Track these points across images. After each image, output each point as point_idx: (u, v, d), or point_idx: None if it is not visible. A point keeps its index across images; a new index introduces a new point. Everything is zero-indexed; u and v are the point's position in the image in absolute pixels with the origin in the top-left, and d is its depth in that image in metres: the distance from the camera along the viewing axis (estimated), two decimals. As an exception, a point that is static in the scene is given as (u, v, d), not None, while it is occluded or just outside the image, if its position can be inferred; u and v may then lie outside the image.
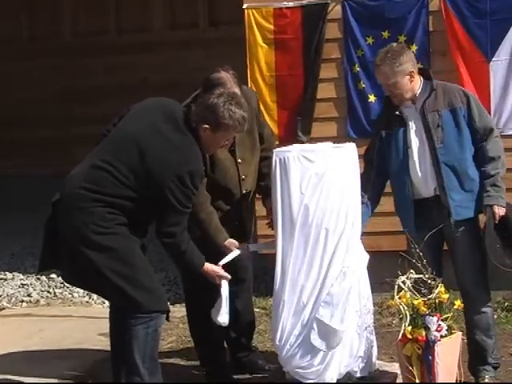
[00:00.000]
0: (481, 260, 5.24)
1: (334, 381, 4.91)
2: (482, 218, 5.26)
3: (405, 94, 5.21)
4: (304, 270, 4.92)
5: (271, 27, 6.83)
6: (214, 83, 5.16)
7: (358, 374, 5.04)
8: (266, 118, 6.64)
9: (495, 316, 6.27)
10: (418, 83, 5.24)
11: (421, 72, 5.32)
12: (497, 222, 5.17)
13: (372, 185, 5.39)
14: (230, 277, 5.13)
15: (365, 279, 5.15)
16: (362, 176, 5.32)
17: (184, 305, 6.65)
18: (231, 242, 5.29)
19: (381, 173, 5.42)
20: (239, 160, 5.36)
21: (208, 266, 5.04)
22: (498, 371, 5.39)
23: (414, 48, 6.64)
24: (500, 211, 5.14)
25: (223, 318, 5.06)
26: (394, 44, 5.45)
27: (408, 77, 5.17)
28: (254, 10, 6.89)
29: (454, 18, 6.62)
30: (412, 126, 5.27)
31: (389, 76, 5.14)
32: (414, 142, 5.26)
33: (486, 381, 5.26)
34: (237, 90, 5.19)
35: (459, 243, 5.24)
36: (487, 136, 5.21)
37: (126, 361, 4.88)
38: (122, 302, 4.86)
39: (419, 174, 5.24)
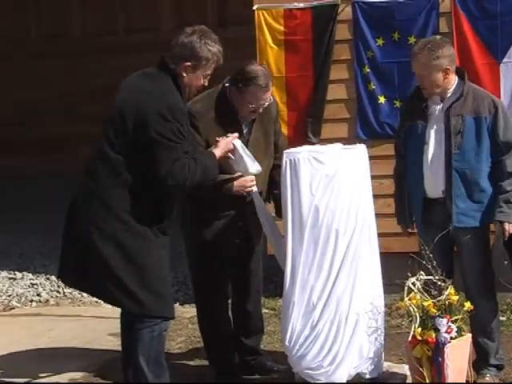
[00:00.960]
0: (485, 267, 5.24)
1: (344, 381, 4.98)
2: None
3: (436, 88, 5.15)
4: (314, 270, 4.95)
5: (281, 28, 6.87)
6: (251, 75, 5.18)
7: (368, 376, 5.04)
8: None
9: (504, 318, 6.32)
10: (451, 82, 5.17)
11: (457, 73, 5.25)
12: (506, 239, 5.19)
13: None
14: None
15: (377, 280, 5.13)
16: (395, 170, 5.35)
17: (193, 305, 6.68)
18: (219, 140, 5.12)
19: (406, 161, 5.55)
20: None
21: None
22: (502, 371, 5.37)
23: None
24: (511, 229, 5.16)
25: (254, 166, 5.00)
26: (438, 36, 5.40)
27: (442, 73, 5.11)
28: (264, 11, 6.92)
29: (464, 20, 6.62)
30: (433, 124, 5.22)
31: (424, 67, 5.09)
32: (432, 140, 5.21)
33: (487, 379, 5.23)
34: (271, 85, 5.31)
35: (464, 249, 5.25)
36: (508, 150, 5.17)
37: (132, 363, 4.90)
38: (127, 303, 4.81)
39: (430, 172, 5.22)
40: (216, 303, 5.58)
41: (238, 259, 5.61)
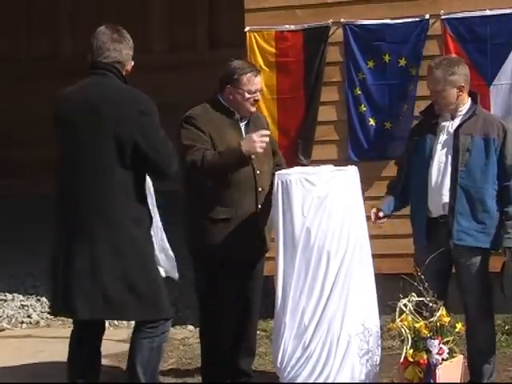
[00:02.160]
0: (485, 288, 5.27)
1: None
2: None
3: (448, 105, 5.23)
4: (305, 292, 4.96)
5: (273, 50, 6.91)
6: (237, 68, 5.29)
7: None
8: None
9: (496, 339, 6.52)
10: (464, 101, 5.25)
11: (470, 95, 5.35)
12: None
13: (402, 185, 5.44)
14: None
15: (371, 301, 5.13)
16: (394, 178, 5.46)
17: (184, 327, 6.86)
18: (246, 138, 5.26)
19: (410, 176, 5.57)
20: (253, 156, 5.47)
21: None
22: None
23: (414, 72, 6.72)
24: None
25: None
26: (454, 55, 5.61)
27: (457, 90, 5.19)
28: (255, 33, 6.97)
29: (454, 42, 6.71)
30: (442, 140, 5.27)
31: (439, 81, 5.18)
32: (438, 155, 5.27)
33: None
34: (258, 68, 5.52)
35: (464, 269, 5.27)
36: None
37: (130, 372, 4.94)
38: (133, 311, 4.82)
39: (434, 187, 5.25)
40: (219, 319, 5.51)
41: (243, 271, 5.53)
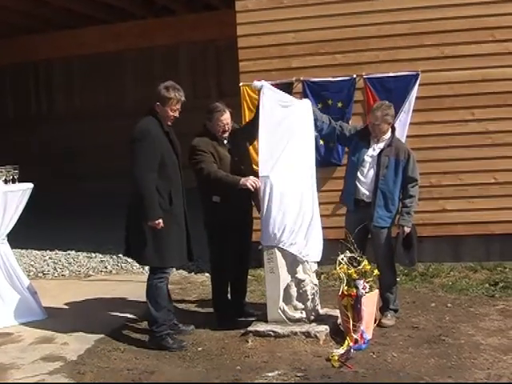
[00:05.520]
0: (389, 249, 5.86)
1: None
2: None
3: (382, 134, 5.77)
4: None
5: (257, 97, 7.30)
6: (213, 107, 6.00)
7: (312, 317, 5.60)
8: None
9: (398, 279, 6.96)
10: (388, 131, 5.80)
11: (391, 128, 5.85)
12: (404, 236, 5.86)
13: (329, 120, 6.06)
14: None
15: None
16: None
17: (203, 274, 7.76)
18: (246, 179, 5.59)
19: (337, 129, 6.08)
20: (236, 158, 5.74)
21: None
22: (398, 313, 6.10)
23: (347, 110, 7.80)
24: (407, 230, 5.82)
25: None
26: (387, 102, 6.05)
27: (387, 125, 5.78)
28: (246, 87, 7.87)
29: (371, 92, 7.76)
30: (370, 153, 5.87)
31: (378, 119, 5.77)
32: (368, 162, 5.87)
33: (388, 317, 5.92)
34: (227, 109, 5.90)
35: (377, 238, 5.88)
36: (412, 182, 5.83)
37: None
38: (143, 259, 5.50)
39: (364, 185, 5.99)
40: (227, 255, 6.04)
41: (242, 229, 5.94)
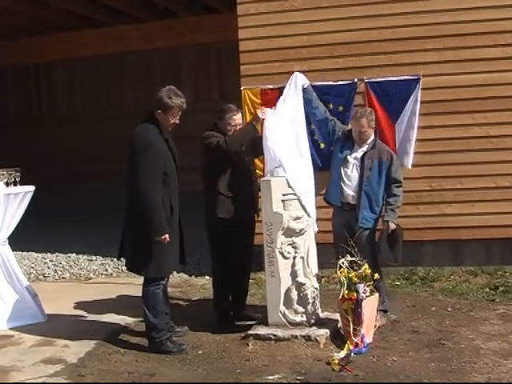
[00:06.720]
0: (373, 250, 6.00)
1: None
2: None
3: (367, 139, 5.91)
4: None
5: (258, 101, 7.88)
6: (226, 107, 6.11)
7: (312, 321, 5.64)
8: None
9: (398, 282, 7.27)
10: (372, 136, 5.92)
11: (374, 131, 5.85)
12: (389, 232, 5.93)
13: (325, 111, 6.26)
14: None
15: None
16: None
17: (203, 277, 7.76)
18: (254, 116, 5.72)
19: (330, 124, 6.29)
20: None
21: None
22: (387, 313, 6.21)
23: (348, 114, 7.74)
24: (392, 226, 5.90)
25: None
26: (369, 109, 6.20)
27: (372, 130, 5.90)
28: (247, 90, 7.93)
29: (372, 96, 7.74)
30: (354, 156, 5.99)
31: (364, 126, 5.90)
32: (352, 164, 5.98)
33: (377, 317, 5.95)
34: (239, 110, 6.00)
35: (362, 239, 5.95)
36: (395, 183, 5.92)
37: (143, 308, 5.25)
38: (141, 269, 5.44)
39: (349, 188, 6.04)
40: (228, 258, 6.07)
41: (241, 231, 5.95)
